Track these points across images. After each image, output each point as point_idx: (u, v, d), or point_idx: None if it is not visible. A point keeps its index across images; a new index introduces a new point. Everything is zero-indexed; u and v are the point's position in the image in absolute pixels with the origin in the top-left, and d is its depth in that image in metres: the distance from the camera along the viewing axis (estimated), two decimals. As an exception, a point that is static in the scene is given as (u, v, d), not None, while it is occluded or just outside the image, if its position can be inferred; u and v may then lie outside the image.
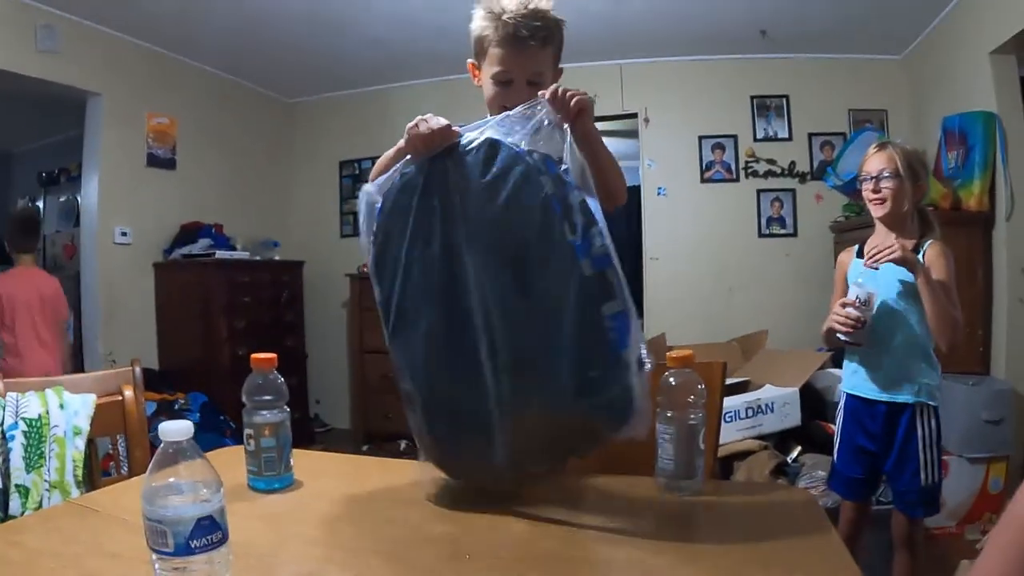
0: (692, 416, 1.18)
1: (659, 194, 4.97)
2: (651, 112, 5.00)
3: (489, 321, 1.11)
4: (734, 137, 4.89)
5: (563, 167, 1.12)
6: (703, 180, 4.94)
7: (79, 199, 5.56)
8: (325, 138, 5.74)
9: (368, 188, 1.23)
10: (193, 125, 4.92)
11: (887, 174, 2.05)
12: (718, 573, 0.91)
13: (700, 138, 4.94)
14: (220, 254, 4.60)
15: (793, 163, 4.75)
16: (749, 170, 4.85)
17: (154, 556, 0.66)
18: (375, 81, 5.45)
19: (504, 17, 1.31)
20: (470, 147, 1.14)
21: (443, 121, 1.16)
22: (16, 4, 3.73)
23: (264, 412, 1.26)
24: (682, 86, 4.98)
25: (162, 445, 0.69)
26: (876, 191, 2.05)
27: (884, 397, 2.04)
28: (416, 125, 1.15)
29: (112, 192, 4.38)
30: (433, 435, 1.20)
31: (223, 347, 4.49)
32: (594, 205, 1.10)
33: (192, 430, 0.70)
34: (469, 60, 1.46)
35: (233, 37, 4.51)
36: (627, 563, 0.97)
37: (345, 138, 5.67)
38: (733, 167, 4.88)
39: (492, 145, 1.13)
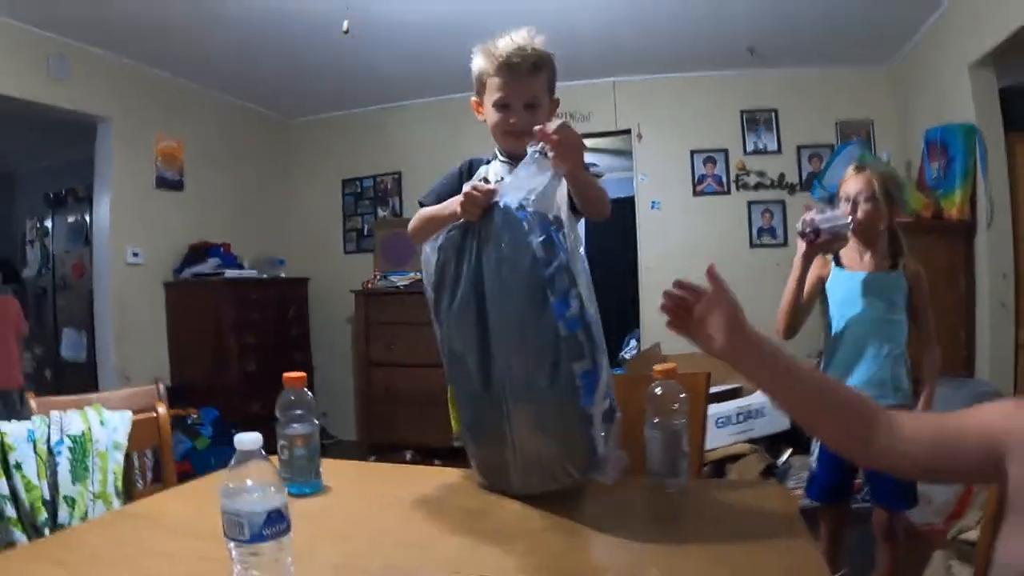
0: (676, 422, 1.33)
1: (653, 207, 5.12)
2: (644, 128, 5.15)
3: (502, 370, 1.30)
4: (725, 151, 5.04)
5: (553, 219, 1.27)
6: (695, 193, 5.09)
7: (88, 220, 5.72)
8: (327, 157, 5.89)
9: (425, 248, 1.41)
10: (199, 147, 5.07)
11: (864, 196, 2.17)
12: (702, 559, 1.05)
13: (692, 152, 5.09)
14: (229, 273, 4.74)
15: (783, 175, 4.90)
16: (740, 182, 5.00)
17: (231, 544, 0.80)
18: (375, 101, 5.60)
19: (498, 53, 1.46)
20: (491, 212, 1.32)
21: (492, 187, 1.32)
22: (29, 34, 3.88)
23: (295, 425, 1.40)
24: (673, 102, 5.13)
25: (237, 452, 0.82)
26: (853, 212, 2.18)
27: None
28: (472, 192, 1.31)
29: (123, 213, 4.51)
30: (477, 452, 1.42)
31: (233, 363, 4.63)
32: (579, 264, 1.27)
33: (261, 440, 0.84)
34: (472, 99, 1.60)
35: (237, 61, 4.67)
36: (615, 550, 1.11)
37: (347, 157, 5.83)
38: (724, 180, 5.03)
39: (499, 209, 1.30)
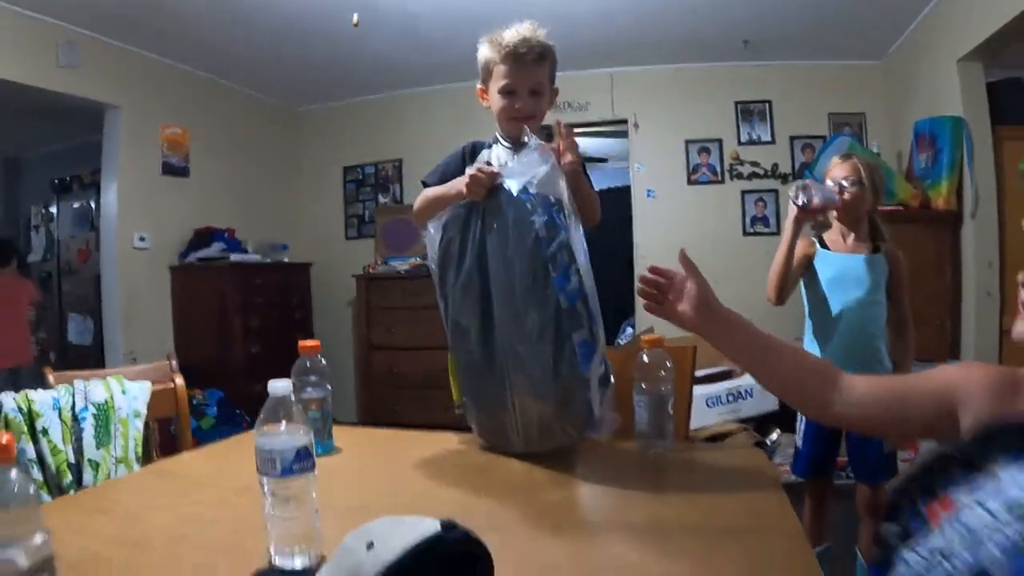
0: (662, 388, 1.44)
1: (648, 196, 5.23)
2: (640, 117, 5.25)
3: (504, 340, 1.42)
4: (719, 141, 5.15)
5: (555, 202, 1.39)
6: (690, 182, 5.20)
7: (93, 206, 5.82)
8: (329, 145, 5.99)
9: (429, 228, 1.53)
10: (204, 135, 5.16)
11: (851, 181, 2.29)
12: (680, 505, 1.17)
13: (687, 142, 5.20)
14: (234, 257, 4.83)
15: (776, 165, 5.01)
16: (734, 172, 5.11)
17: (265, 479, 0.91)
18: (377, 90, 5.71)
19: (504, 43, 1.56)
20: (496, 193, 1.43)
21: (496, 169, 1.44)
22: (39, 22, 3.97)
23: (310, 389, 1.50)
24: (669, 93, 5.23)
25: (270, 397, 0.93)
26: (840, 194, 2.29)
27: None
28: (477, 174, 1.42)
29: (130, 199, 4.61)
30: (478, 416, 1.53)
31: (237, 345, 4.73)
32: (578, 242, 1.38)
33: (291, 386, 0.95)
34: (478, 86, 1.70)
35: (241, 50, 4.75)
36: (605, 499, 1.23)
37: (348, 145, 5.93)
38: (719, 169, 5.15)
39: (503, 190, 1.40)
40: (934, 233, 3.83)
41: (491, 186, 1.43)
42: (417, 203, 1.62)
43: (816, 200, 2.17)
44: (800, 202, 2.17)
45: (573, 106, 5.07)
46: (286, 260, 5.48)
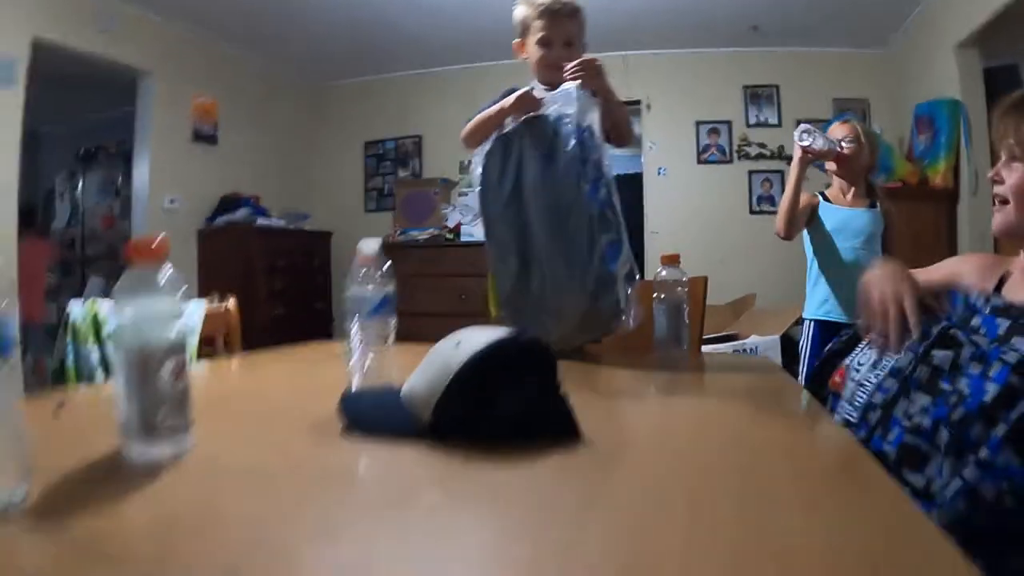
0: (677, 298, 1.64)
1: (659, 174, 5.43)
2: (652, 99, 5.46)
3: (542, 247, 1.63)
4: (728, 123, 5.36)
5: (586, 128, 1.60)
6: (699, 161, 5.41)
7: (119, 175, 6.03)
8: (351, 121, 6.19)
9: (473, 158, 1.78)
10: (233, 105, 5.36)
11: (849, 139, 2.51)
12: (690, 384, 1.36)
13: (697, 123, 5.41)
14: (260, 221, 5.04)
15: (782, 147, 5.21)
16: (742, 153, 5.32)
17: (355, 319, 1.11)
18: (399, 68, 5.91)
19: (540, 1, 1.78)
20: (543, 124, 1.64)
21: (541, 95, 1.67)
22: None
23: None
24: (681, 76, 5.43)
25: (359, 253, 1.14)
26: (839, 150, 2.51)
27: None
28: (527, 93, 1.66)
29: (161, 164, 4.81)
30: (516, 323, 1.70)
31: (262, 306, 4.92)
32: (605, 161, 1.59)
33: (380, 243, 1.15)
34: (515, 41, 1.91)
35: (271, 26, 4.96)
36: (628, 380, 1.43)
37: (370, 121, 6.14)
38: (727, 150, 5.35)
39: (542, 116, 1.62)
40: (932, 209, 4.03)
41: (534, 109, 1.63)
42: (466, 128, 1.82)
43: (819, 143, 2.39)
44: (805, 142, 2.39)
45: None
46: (307, 228, 5.68)
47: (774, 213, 5.09)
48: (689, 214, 5.26)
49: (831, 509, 0.64)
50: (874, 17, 4.62)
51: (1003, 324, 1.01)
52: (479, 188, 1.79)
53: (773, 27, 4.86)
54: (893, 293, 1.12)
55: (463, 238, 5.12)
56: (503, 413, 0.87)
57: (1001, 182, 1.13)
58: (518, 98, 1.64)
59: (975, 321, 1.07)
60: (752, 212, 5.25)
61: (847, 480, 0.77)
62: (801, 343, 2.68)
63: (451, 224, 5.26)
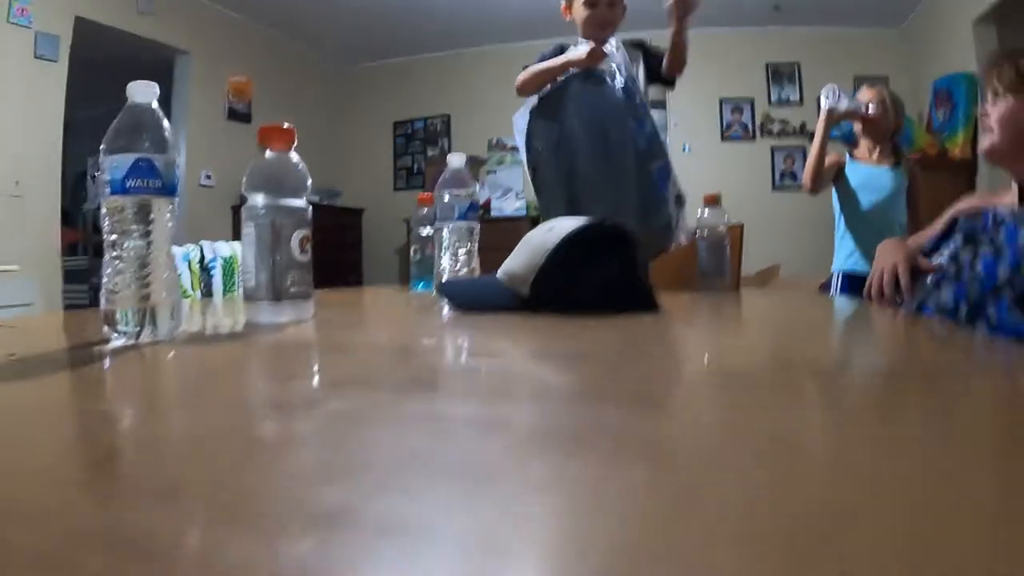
0: (719, 236, 1.77)
1: (684, 151, 5.54)
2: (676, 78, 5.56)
3: (589, 182, 1.76)
4: (751, 100, 5.48)
5: (627, 82, 1.76)
6: (723, 139, 5.53)
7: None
8: (381, 101, 6.34)
9: (515, 118, 1.96)
10: (266, 85, 5.53)
11: (876, 101, 2.64)
12: (733, 306, 1.49)
13: (721, 101, 5.54)
14: (294, 197, 5.18)
15: (804, 124, 5.32)
16: (764, 130, 5.43)
17: (447, 223, 1.26)
18: (429, 49, 6.05)
19: None
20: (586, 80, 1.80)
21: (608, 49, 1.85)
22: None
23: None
24: (705, 54, 5.52)
25: (448, 166, 1.28)
26: (866, 112, 2.63)
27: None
28: (597, 48, 1.83)
29: (197, 141, 4.97)
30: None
31: (296, 278, 5.07)
32: (646, 103, 1.74)
33: (465, 158, 1.29)
34: (562, 5, 2.05)
35: (304, 7, 5.12)
36: (676, 302, 1.56)
37: (399, 101, 6.30)
38: (750, 127, 5.47)
39: (592, 73, 1.77)
40: (950, 179, 4.12)
41: (601, 59, 1.78)
42: (522, 77, 1.96)
43: (843, 103, 2.51)
44: (830, 102, 2.51)
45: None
46: (339, 205, 5.83)
47: (797, 189, 5.31)
48: (712, 190, 5.34)
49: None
50: (893, -3, 4.72)
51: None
52: (523, 138, 1.92)
53: (795, 6, 4.97)
54: (891, 265, 1.35)
55: (493, 213, 5.25)
56: (592, 286, 1.00)
57: (987, 116, 1.36)
58: (590, 53, 1.79)
59: (1000, 233, 1.22)
60: (775, 188, 5.37)
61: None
62: (831, 295, 2.80)
63: (481, 200, 5.39)
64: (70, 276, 5.48)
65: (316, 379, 0.54)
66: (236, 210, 5.23)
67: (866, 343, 0.85)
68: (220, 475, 0.25)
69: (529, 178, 1.98)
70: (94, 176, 7.17)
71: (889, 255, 1.39)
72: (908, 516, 0.20)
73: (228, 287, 2.23)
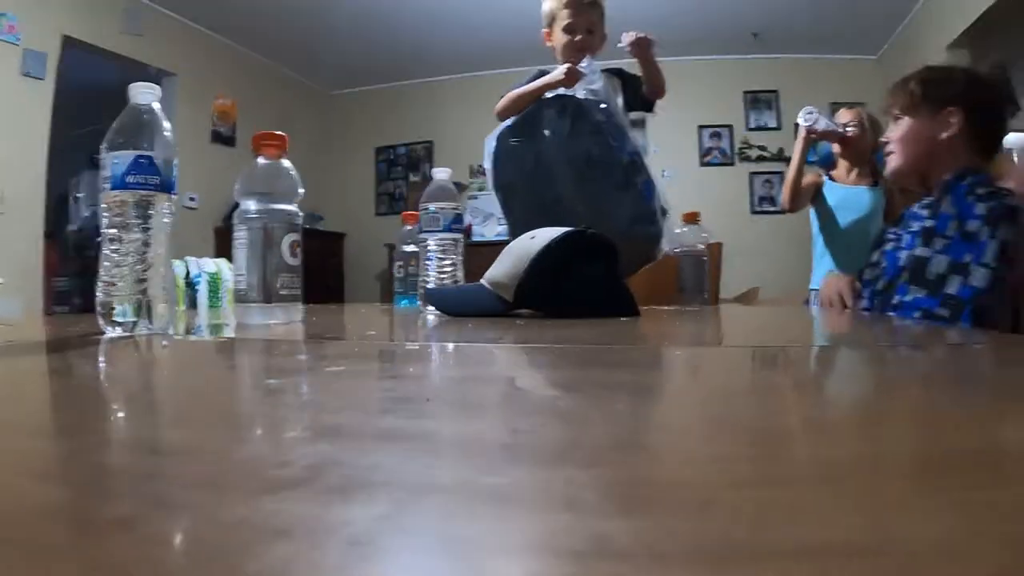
0: (699, 253, 1.81)
1: (664, 176, 5.61)
2: (657, 104, 5.63)
3: (576, 195, 1.79)
4: (730, 127, 5.57)
5: (603, 103, 1.81)
6: (702, 164, 5.61)
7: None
8: (364, 126, 6.38)
9: (486, 140, 1.95)
10: (250, 108, 5.54)
11: (854, 124, 2.70)
12: (711, 322, 1.52)
13: (700, 127, 5.62)
14: (276, 219, 5.19)
15: (781, 149, 5.40)
16: (743, 155, 5.52)
17: (430, 235, 1.28)
18: (411, 76, 6.11)
19: None
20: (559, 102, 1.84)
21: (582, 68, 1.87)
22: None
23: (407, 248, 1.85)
24: (685, 82, 5.60)
25: (433, 180, 1.30)
26: (844, 133, 2.69)
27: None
28: (572, 67, 1.85)
29: (181, 162, 4.90)
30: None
31: (278, 301, 5.06)
32: (626, 123, 1.80)
33: (452, 172, 1.32)
34: (543, 31, 2.10)
35: (290, 33, 5.17)
36: (657, 323, 1.59)
37: (381, 127, 6.33)
38: (729, 152, 5.55)
39: (564, 99, 1.82)
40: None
41: (575, 80, 1.82)
42: (500, 103, 2.00)
43: (821, 124, 2.58)
44: (808, 123, 2.57)
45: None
46: (321, 229, 5.84)
47: (775, 213, 5.38)
48: (692, 213, 5.45)
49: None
50: (869, 26, 4.83)
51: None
52: (490, 162, 1.96)
53: (773, 35, 5.07)
54: (835, 293, 1.56)
55: (474, 238, 5.29)
56: (574, 292, 1.03)
57: (888, 141, 1.46)
58: (567, 72, 1.83)
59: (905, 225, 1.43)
60: (754, 212, 5.44)
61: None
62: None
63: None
64: (55, 297, 5.47)
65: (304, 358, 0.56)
66: (219, 232, 5.23)
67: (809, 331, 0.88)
68: (203, 441, 0.25)
69: (498, 200, 2.01)
70: (77, 197, 7.14)
71: (833, 286, 1.58)
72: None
73: (213, 302, 2.24)
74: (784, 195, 2.69)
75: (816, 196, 2.75)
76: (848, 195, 2.71)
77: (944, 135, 1.34)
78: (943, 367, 0.52)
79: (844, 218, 2.70)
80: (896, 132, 1.41)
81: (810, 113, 2.60)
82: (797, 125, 2.75)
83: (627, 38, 1.88)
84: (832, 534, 0.15)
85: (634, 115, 2.11)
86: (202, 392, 0.39)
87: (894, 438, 0.25)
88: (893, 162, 1.44)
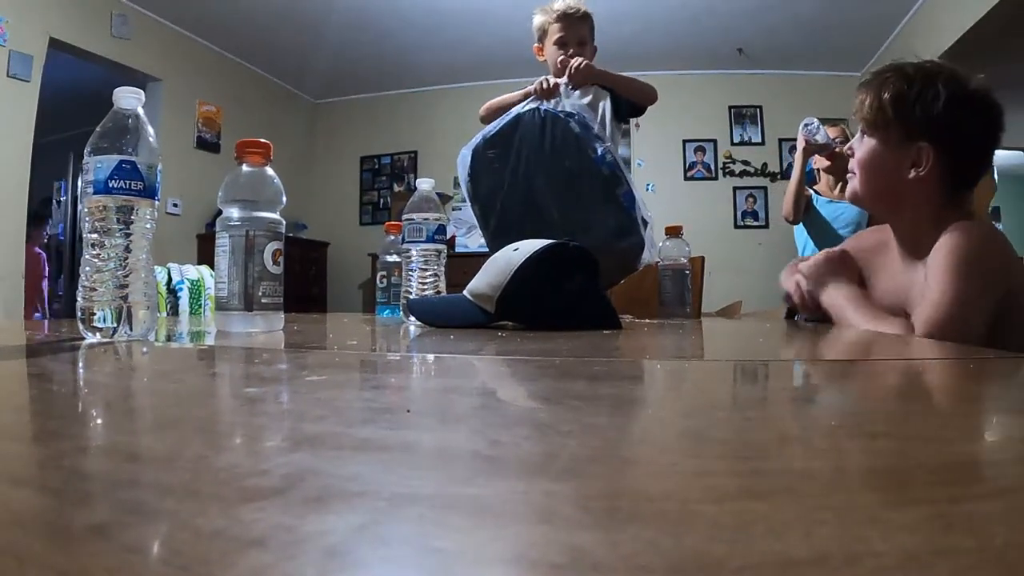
0: (681, 266, 1.82)
1: (648, 190, 5.65)
2: (642, 118, 5.66)
3: (555, 207, 1.80)
4: (714, 141, 5.61)
5: (579, 116, 1.82)
6: (686, 178, 5.64)
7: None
8: (348, 136, 6.38)
9: (461, 151, 1.94)
10: (235, 115, 5.53)
11: (839, 140, 2.74)
12: (693, 334, 1.53)
13: (684, 142, 5.66)
14: (260, 226, 5.18)
15: (765, 164, 5.46)
16: (726, 170, 5.56)
17: (414, 246, 1.28)
18: (396, 86, 6.12)
19: (555, 8, 2.00)
20: (535, 115, 1.84)
21: (560, 80, 1.91)
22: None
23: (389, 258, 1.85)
24: (669, 96, 5.61)
25: (417, 191, 1.30)
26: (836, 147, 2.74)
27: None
28: (547, 80, 1.89)
29: (165, 168, 4.85)
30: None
31: (261, 309, 5.04)
32: (604, 135, 1.81)
33: (435, 183, 1.32)
34: (535, 46, 2.11)
35: (276, 41, 5.17)
36: (640, 337, 1.60)
37: (366, 136, 6.33)
38: (713, 167, 5.59)
39: (539, 111, 1.83)
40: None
41: (555, 92, 1.83)
42: (485, 107, 2.03)
43: (820, 137, 2.61)
44: (808, 133, 2.62)
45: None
46: (305, 238, 5.82)
47: (758, 227, 5.43)
48: (676, 227, 5.48)
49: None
50: (853, 42, 4.90)
51: None
52: (465, 171, 1.96)
53: (758, 50, 5.13)
54: (796, 279, 1.51)
55: (458, 249, 5.29)
56: (556, 304, 1.04)
57: (853, 156, 1.26)
58: (546, 84, 1.84)
59: None
60: (737, 226, 5.47)
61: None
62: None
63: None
64: (36, 301, 5.42)
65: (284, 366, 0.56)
66: (202, 239, 5.20)
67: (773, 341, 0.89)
68: (181, 449, 0.25)
69: (475, 213, 2.01)
70: (59, 201, 7.08)
71: (791, 275, 1.56)
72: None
73: (194, 308, 2.23)
74: (787, 206, 2.74)
75: (807, 209, 2.79)
76: (835, 210, 2.76)
77: (912, 175, 1.15)
78: (920, 380, 0.53)
79: (832, 232, 2.73)
80: (860, 152, 1.23)
81: (810, 124, 2.63)
82: (781, 141, 2.78)
83: (561, 82, 1.90)
84: (811, 547, 0.15)
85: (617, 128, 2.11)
86: (181, 399, 0.38)
87: (872, 451, 0.26)
88: (853, 185, 1.26)
